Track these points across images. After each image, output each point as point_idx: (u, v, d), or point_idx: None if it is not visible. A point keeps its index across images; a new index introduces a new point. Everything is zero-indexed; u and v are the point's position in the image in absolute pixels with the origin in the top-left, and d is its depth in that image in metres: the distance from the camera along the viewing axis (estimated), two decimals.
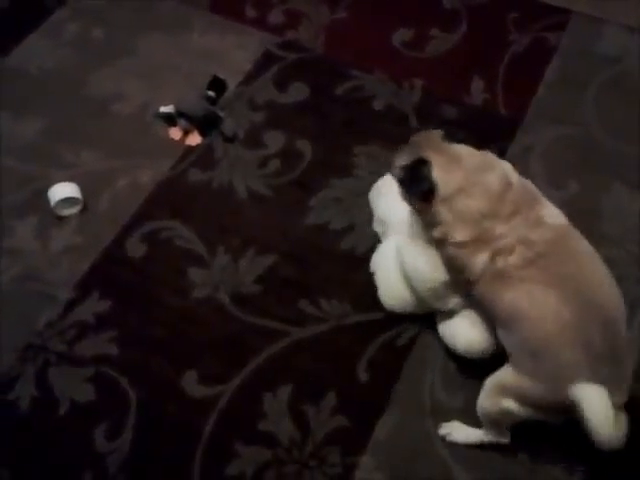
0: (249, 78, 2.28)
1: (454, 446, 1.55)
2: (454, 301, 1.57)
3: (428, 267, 1.54)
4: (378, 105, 2.19)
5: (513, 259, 1.36)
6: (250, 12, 2.48)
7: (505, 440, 1.50)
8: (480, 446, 1.53)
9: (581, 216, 1.89)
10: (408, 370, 1.67)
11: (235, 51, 2.36)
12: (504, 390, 1.39)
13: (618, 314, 1.32)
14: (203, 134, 2.12)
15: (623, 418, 1.30)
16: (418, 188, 1.43)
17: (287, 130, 2.15)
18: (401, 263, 1.62)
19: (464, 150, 1.46)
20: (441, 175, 1.41)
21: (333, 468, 1.55)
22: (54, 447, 1.60)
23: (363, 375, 1.68)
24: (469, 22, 2.39)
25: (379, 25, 2.42)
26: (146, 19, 2.44)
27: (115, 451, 1.58)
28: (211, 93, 2.16)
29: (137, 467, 1.57)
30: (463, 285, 1.48)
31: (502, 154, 2.03)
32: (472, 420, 1.53)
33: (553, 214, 1.44)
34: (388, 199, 1.79)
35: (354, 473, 1.54)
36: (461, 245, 1.41)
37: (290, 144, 2.11)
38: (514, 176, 1.45)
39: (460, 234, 1.40)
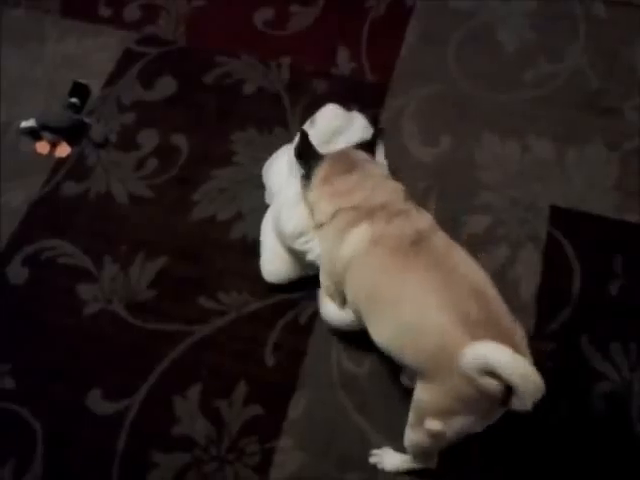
0: (113, 79, 2.20)
1: (369, 413, 1.58)
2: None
3: (292, 216, 1.59)
4: (249, 89, 2.17)
5: (391, 229, 1.37)
6: (104, 11, 2.38)
7: (432, 466, 1.48)
8: (397, 413, 1.48)
9: (457, 168, 1.98)
10: (313, 347, 1.69)
11: (95, 54, 2.27)
12: (424, 411, 1.31)
13: (491, 294, 1.27)
14: (72, 144, 2.04)
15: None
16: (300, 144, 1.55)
17: (160, 127, 2.09)
18: (273, 220, 1.66)
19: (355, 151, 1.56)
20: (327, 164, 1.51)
21: (253, 457, 1.56)
22: None
23: (270, 359, 1.68)
24: None
25: (239, 8, 2.38)
26: None
27: None
28: (74, 100, 2.08)
29: None
30: (339, 269, 1.45)
31: (375, 120, 2.06)
32: (379, 387, 1.57)
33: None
34: (273, 169, 1.80)
35: (274, 457, 1.55)
36: (346, 210, 1.44)
37: (165, 141, 2.06)
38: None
39: (333, 205, 1.46)
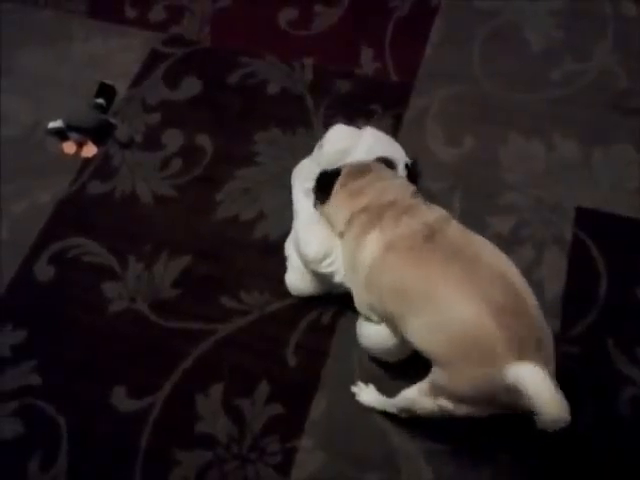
0: (138, 80, 2.23)
1: (392, 416, 1.57)
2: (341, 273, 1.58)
3: (311, 239, 1.58)
4: (272, 89, 2.18)
5: (400, 230, 1.37)
6: (130, 12, 2.41)
7: (405, 416, 1.50)
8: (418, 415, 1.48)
9: (480, 168, 1.97)
10: (335, 347, 1.69)
11: (120, 54, 2.30)
12: (437, 391, 1.32)
13: (517, 280, 1.27)
14: (98, 144, 2.07)
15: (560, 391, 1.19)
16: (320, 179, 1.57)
17: (184, 127, 2.11)
18: (294, 243, 1.66)
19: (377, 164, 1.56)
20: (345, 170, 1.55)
21: (274, 457, 1.56)
22: None
23: (292, 360, 1.68)
24: None
25: (263, 8, 2.39)
26: (22, 34, 2.34)
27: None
28: (100, 101, 2.10)
29: None
30: (363, 280, 1.46)
31: (398, 120, 2.06)
32: (400, 387, 1.55)
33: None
34: (295, 183, 1.81)
35: (295, 457, 1.56)
36: (357, 214, 1.46)
37: (189, 141, 2.08)
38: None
39: (348, 208, 1.49)
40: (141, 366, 1.70)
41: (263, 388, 1.64)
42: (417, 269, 1.32)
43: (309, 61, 2.24)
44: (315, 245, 1.56)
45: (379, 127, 2.03)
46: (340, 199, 1.51)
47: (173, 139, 2.09)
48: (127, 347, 1.73)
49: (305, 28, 2.33)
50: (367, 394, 1.59)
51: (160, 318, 1.76)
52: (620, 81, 2.11)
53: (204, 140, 2.08)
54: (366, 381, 1.63)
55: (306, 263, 1.61)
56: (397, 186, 1.48)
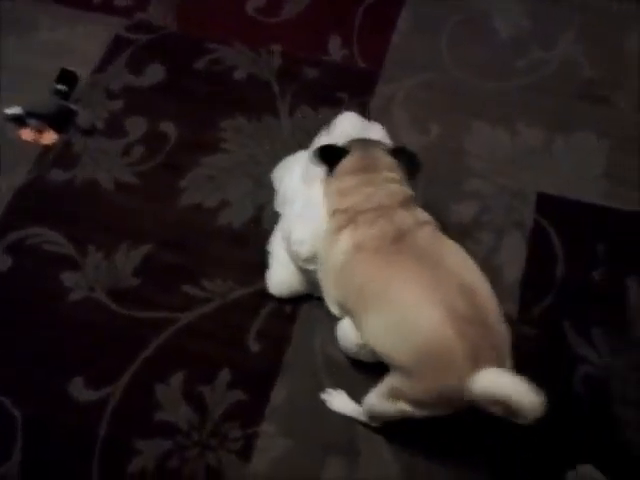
0: (102, 66, 2.19)
1: (353, 399, 1.57)
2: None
3: (305, 237, 1.54)
4: (239, 76, 2.16)
5: (373, 231, 1.36)
6: None
7: (377, 425, 1.51)
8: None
9: (446, 155, 1.97)
10: (297, 334, 1.68)
11: (85, 40, 2.26)
12: (396, 395, 1.33)
13: (479, 287, 1.27)
14: (58, 131, 2.03)
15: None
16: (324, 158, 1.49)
17: (148, 114, 2.08)
18: (284, 238, 1.63)
19: (382, 155, 1.49)
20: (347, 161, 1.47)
21: (235, 442, 1.55)
22: None
23: (254, 346, 1.67)
24: None
25: None
26: None
27: (5, 477, 1.51)
28: (61, 87, 2.06)
29: None
30: (332, 276, 1.45)
31: (365, 107, 2.05)
32: (362, 373, 1.57)
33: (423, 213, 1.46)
34: (288, 173, 1.75)
35: (256, 442, 1.55)
36: (332, 215, 1.44)
37: (153, 128, 2.05)
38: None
39: (333, 203, 1.45)
40: (101, 356, 1.67)
41: (224, 375, 1.63)
42: (382, 269, 1.32)
43: (277, 48, 2.22)
44: (308, 245, 1.53)
45: None
46: (331, 190, 1.48)
47: (136, 126, 2.06)
48: (87, 337, 1.70)
49: (273, 15, 2.31)
50: (338, 400, 1.57)
51: (121, 307, 1.74)
52: (584, 70, 2.13)
53: (168, 127, 2.05)
54: (328, 368, 1.62)
55: (296, 260, 1.59)
56: (386, 193, 1.42)
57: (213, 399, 1.60)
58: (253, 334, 1.68)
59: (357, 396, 1.54)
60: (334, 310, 1.50)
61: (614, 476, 1.43)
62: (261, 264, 1.76)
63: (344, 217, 1.42)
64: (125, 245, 1.83)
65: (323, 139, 1.66)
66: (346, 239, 1.39)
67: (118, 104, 2.10)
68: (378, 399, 1.38)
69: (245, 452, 1.54)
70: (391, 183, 1.44)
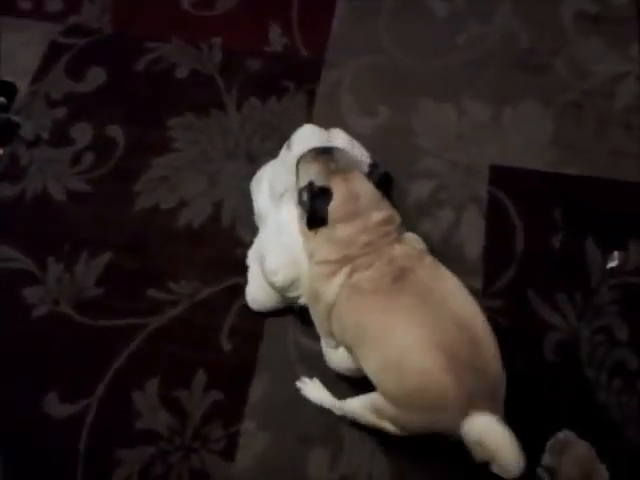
0: (40, 74, 2.13)
1: (330, 388, 1.59)
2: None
3: (279, 266, 1.52)
4: (181, 73, 2.13)
5: (369, 273, 1.34)
6: (24, 4, 2.29)
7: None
8: (358, 384, 1.49)
9: (396, 137, 1.99)
10: (268, 329, 1.69)
11: (19, 49, 2.18)
12: (381, 414, 1.35)
13: (480, 330, 1.27)
14: (2, 144, 1.97)
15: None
16: (312, 215, 1.41)
17: (93, 119, 2.04)
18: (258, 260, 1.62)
19: (363, 187, 1.43)
20: (336, 207, 1.39)
21: (217, 443, 1.56)
22: None
23: (227, 345, 1.67)
24: None
25: None
26: None
27: None
28: (0, 99, 2.00)
29: None
30: (323, 311, 1.44)
31: (312, 95, 2.05)
32: None
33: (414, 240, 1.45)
34: (260, 189, 1.72)
35: (238, 440, 1.56)
36: (322, 262, 1.41)
37: (100, 133, 2.01)
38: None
39: (325, 253, 1.40)
40: (72, 369, 1.65)
41: (200, 377, 1.63)
42: (381, 309, 1.30)
43: (217, 41, 2.19)
44: (282, 275, 1.51)
45: (292, 103, 2.04)
46: (320, 240, 1.41)
47: (82, 133, 2.01)
48: (55, 352, 1.67)
49: (209, 8, 2.28)
50: (312, 389, 1.58)
51: (87, 318, 1.71)
52: (523, 41, 2.16)
53: (115, 131, 2.01)
54: (304, 359, 1.64)
55: (273, 288, 1.58)
56: (379, 238, 1.38)
57: (191, 402, 1.60)
58: (225, 333, 1.69)
59: (332, 385, 1.57)
60: (328, 341, 1.49)
61: (592, 439, 1.48)
62: (225, 262, 1.77)
63: (336, 264, 1.38)
64: (85, 255, 1.80)
65: (284, 156, 1.64)
66: (340, 282, 1.36)
67: (61, 112, 2.05)
68: (362, 410, 1.39)
69: (228, 451, 1.55)
70: (383, 226, 1.39)
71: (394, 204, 1.50)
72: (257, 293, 1.66)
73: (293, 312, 1.66)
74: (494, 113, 2.02)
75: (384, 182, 1.50)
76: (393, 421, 1.32)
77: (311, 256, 1.45)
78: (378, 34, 2.20)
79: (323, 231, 1.40)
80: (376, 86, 2.09)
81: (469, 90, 2.06)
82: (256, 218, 1.75)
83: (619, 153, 1.95)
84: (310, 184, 1.42)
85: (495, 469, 1.20)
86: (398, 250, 1.36)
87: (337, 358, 1.52)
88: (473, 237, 1.80)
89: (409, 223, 1.78)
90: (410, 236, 1.46)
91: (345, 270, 1.36)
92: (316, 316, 1.49)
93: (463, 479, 1.44)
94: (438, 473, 1.51)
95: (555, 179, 1.90)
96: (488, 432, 1.20)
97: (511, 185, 1.89)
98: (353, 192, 1.40)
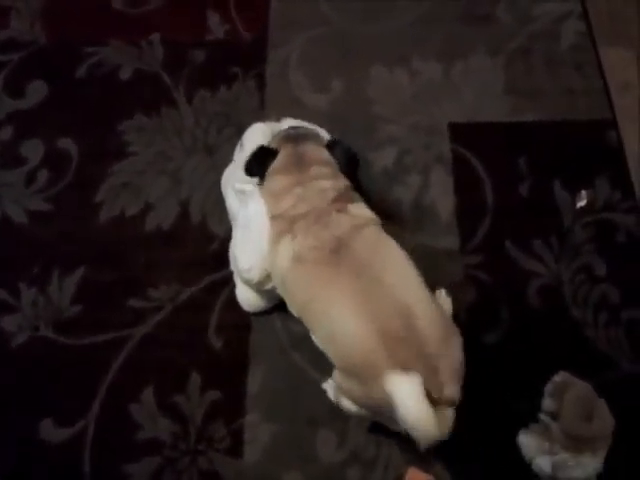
0: None
1: (326, 366, 1.58)
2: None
3: (251, 264, 1.51)
4: (125, 74, 2.07)
5: (310, 241, 1.33)
6: None
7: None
8: None
9: (353, 107, 1.97)
10: (255, 319, 1.67)
11: None
12: (339, 389, 1.36)
13: (416, 304, 1.23)
14: None
15: (447, 413, 1.18)
16: (248, 162, 1.46)
17: (42, 135, 1.97)
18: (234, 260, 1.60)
19: (314, 151, 1.45)
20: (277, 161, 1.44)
21: (223, 441, 1.55)
22: None
23: (217, 342, 1.66)
24: None
25: None
26: None
27: None
28: None
29: None
30: (281, 285, 1.43)
31: (261, 78, 2.02)
32: None
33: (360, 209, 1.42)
34: (228, 188, 1.70)
35: (243, 435, 1.55)
36: (271, 219, 1.41)
37: (51, 148, 1.95)
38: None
39: (270, 207, 1.42)
40: (63, 392, 1.62)
41: (195, 378, 1.61)
42: (321, 282, 1.29)
43: (156, 37, 2.13)
44: (257, 270, 1.49)
45: (243, 89, 2.00)
46: (264, 195, 1.45)
47: (33, 150, 1.95)
48: (43, 377, 1.64)
49: (143, 4, 2.21)
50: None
51: (70, 338, 1.68)
52: None
53: (67, 143, 1.96)
54: (295, 343, 1.63)
55: (250, 286, 1.57)
56: (316, 191, 1.38)
57: (190, 405, 1.58)
58: (212, 331, 1.67)
59: (329, 363, 1.54)
60: (293, 312, 1.47)
61: (588, 376, 1.51)
62: (201, 259, 1.75)
63: (281, 223, 1.38)
64: (57, 274, 1.76)
65: (238, 156, 1.62)
66: (285, 250, 1.36)
67: (7, 132, 1.98)
68: (333, 392, 1.42)
69: (235, 448, 1.54)
70: (321, 179, 1.39)
71: (361, 177, 1.48)
72: (246, 294, 1.64)
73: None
74: (446, 70, 2.02)
75: (350, 164, 1.49)
76: (345, 393, 1.32)
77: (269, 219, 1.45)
78: (317, 6, 2.16)
79: (266, 184, 1.44)
80: (325, 59, 2.07)
81: (418, 50, 2.05)
82: (231, 219, 1.73)
83: (573, 93, 1.96)
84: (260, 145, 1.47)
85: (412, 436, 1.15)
86: (336, 218, 1.35)
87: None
88: (443, 197, 1.80)
89: (378, 193, 1.80)
90: (357, 206, 1.42)
91: (288, 236, 1.36)
92: (279, 290, 1.47)
93: (470, 443, 1.45)
94: (444, 447, 1.51)
95: (515, 128, 1.91)
96: (400, 390, 1.13)
97: (473, 140, 1.89)
98: (299, 152, 1.43)
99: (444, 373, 1.19)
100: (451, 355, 1.22)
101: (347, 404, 1.35)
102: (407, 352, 1.18)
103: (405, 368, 1.15)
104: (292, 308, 1.44)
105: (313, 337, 1.38)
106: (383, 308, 1.22)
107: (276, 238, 1.39)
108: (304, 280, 1.33)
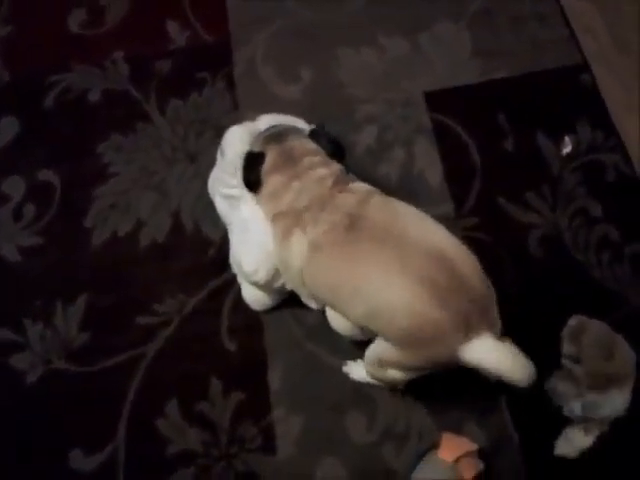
0: None
1: (342, 352, 1.59)
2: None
3: (257, 265, 1.48)
4: (94, 97, 2.05)
5: (321, 227, 1.30)
6: None
7: (400, 387, 1.49)
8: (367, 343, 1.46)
9: (327, 93, 1.98)
10: (265, 317, 1.67)
11: None
12: (385, 364, 1.34)
13: (451, 251, 1.23)
14: None
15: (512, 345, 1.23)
16: (246, 175, 1.44)
17: (22, 170, 1.95)
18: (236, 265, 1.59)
19: (300, 144, 1.44)
20: (267, 162, 1.42)
21: (255, 441, 1.55)
22: None
23: (231, 345, 1.66)
24: None
25: (49, 20, 2.22)
26: None
27: None
28: None
29: None
30: (297, 278, 1.40)
31: (230, 78, 2.01)
32: None
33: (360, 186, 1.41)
34: (217, 200, 1.66)
35: (274, 431, 1.55)
36: (274, 220, 1.39)
37: (33, 182, 1.93)
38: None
39: (272, 208, 1.40)
40: (86, 420, 1.61)
41: (215, 384, 1.61)
42: (345, 267, 1.27)
43: (119, 55, 2.12)
44: (263, 271, 1.47)
45: (214, 92, 2.00)
46: (262, 197, 1.42)
47: (15, 187, 1.93)
48: (63, 409, 1.62)
49: (99, 24, 2.20)
50: (358, 370, 1.55)
51: (83, 366, 1.67)
52: None
53: (48, 175, 1.94)
54: (310, 334, 1.63)
55: (257, 287, 1.56)
56: (313, 183, 1.36)
57: (215, 411, 1.58)
58: (225, 334, 1.67)
59: (345, 349, 1.58)
60: (312, 305, 1.47)
61: (602, 315, 1.52)
62: (201, 266, 1.74)
63: (287, 219, 1.36)
64: (60, 305, 1.74)
65: (221, 163, 1.61)
66: (299, 243, 1.33)
67: None
68: (371, 368, 1.40)
69: (268, 445, 1.54)
70: (316, 168, 1.38)
71: (346, 160, 1.48)
72: (254, 294, 1.63)
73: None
74: (412, 42, 2.02)
75: (337, 148, 1.48)
76: (397, 365, 1.31)
77: (270, 220, 1.43)
78: None
79: (263, 190, 1.41)
80: (290, 50, 2.06)
81: (381, 27, 2.06)
82: (224, 223, 1.72)
83: (540, 44, 1.98)
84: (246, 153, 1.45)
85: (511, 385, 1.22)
86: (341, 199, 1.33)
87: (334, 319, 1.47)
88: (430, 166, 1.81)
89: (365, 173, 1.79)
90: (355, 183, 1.41)
91: (298, 229, 1.33)
92: (294, 285, 1.45)
93: (496, 403, 1.48)
94: (471, 405, 1.53)
95: (489, 87, 1.92)
96: (486, 356, 1.19)
97: (450, 106, 1.90)
98: (286, 148, 1.42)
99: (493, 309, 1.21)
100: (490, 287, 1.24)
101: (392, 374, 1.33)
102: (460, 300, 1.18)
103: (462, 314, 1.17)
104: (312, 300, 1.43)
105: (351, 319, 1.34)
106: (421, 264, 1.20)
107: (284, 235, 1.36)
108: (326, 267, 1.30)
